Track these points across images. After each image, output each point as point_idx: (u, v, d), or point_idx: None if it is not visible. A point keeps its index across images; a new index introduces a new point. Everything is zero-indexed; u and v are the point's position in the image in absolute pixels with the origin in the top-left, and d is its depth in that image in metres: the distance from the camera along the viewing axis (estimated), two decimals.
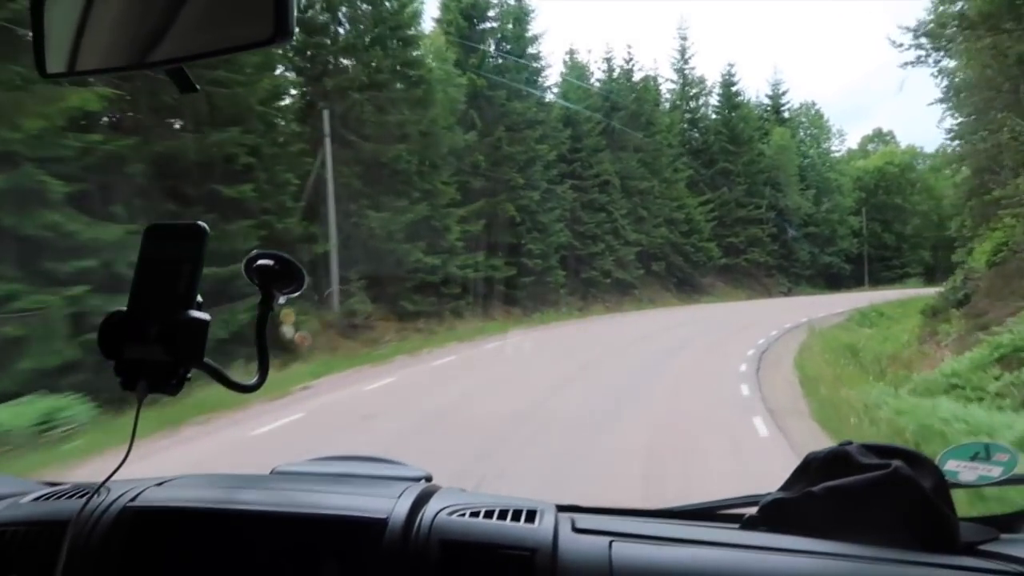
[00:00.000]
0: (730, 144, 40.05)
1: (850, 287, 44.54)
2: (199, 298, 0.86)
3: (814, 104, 64.48)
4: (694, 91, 41.62)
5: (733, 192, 39.46)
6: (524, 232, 24.73)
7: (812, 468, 1.03)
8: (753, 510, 1.06)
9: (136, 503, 0.97)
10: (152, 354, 0.83)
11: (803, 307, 27.13)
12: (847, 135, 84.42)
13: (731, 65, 48.59)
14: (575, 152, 29.11)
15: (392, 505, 0.95)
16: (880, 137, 58.00)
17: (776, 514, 1.01)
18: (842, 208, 46.75)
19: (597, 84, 33.24)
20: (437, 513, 0.96)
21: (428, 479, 1.15)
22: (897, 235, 49.31)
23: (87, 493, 1.01)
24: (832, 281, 45.01)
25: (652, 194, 33.27)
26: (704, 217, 36.76)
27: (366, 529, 0.92)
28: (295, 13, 0.80)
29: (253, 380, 0.94)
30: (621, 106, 33.17)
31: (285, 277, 0.96)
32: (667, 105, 40.30)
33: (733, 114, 41.28)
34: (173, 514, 0.96)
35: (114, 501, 0.97)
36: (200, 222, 0.88)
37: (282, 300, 0.97)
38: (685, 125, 40.46)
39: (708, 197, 37.94)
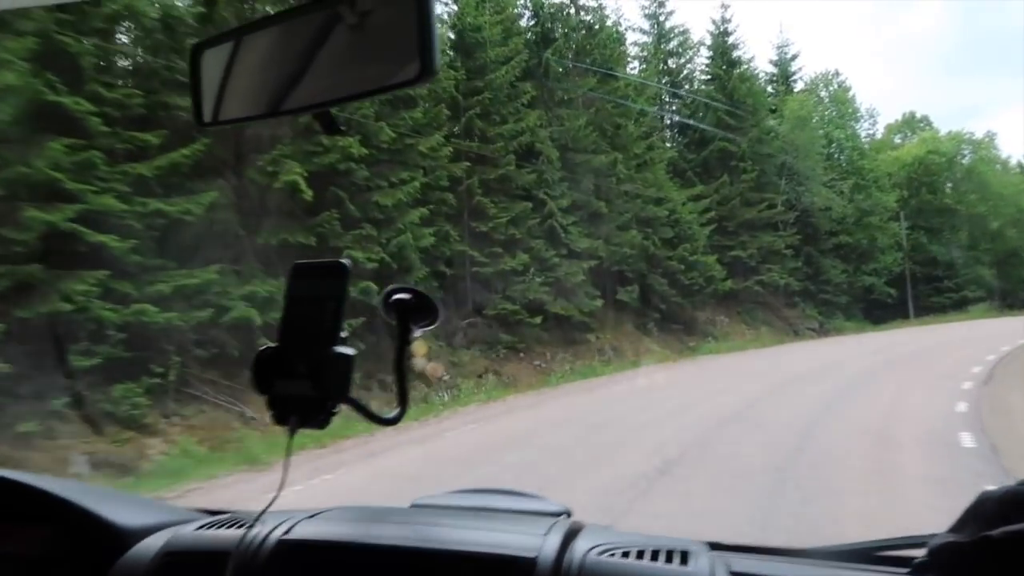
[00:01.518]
0: (729, 116, 27.59)
1: (891, 319, 31.98)
2: (343, 333, 0.87)
3: (837, 74, 52.06)
4: (673, 44, 29.18)
5: (736, 184, 26.93)
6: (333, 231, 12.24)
7: (986, 509, 0.89)
8: (920, 553, 0.95)
9: (289, 536, 1.00)
10: (301, 389, 0.86)
11: (899, 361, 15.35)
12: (879, 115, 67.66)
13: (725, 7, 35.60)
14: (473, 97, 16.48)
15: (539, 543, 0.95)
16: (912, 124, 45.65)
17: (949, 560, 0.90)
18: (884, 208, 34.14)
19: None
20: (587, 552, 0.95)
21: (569, 514, 1.14)
22: (947, 247, 36.94)
23: (244, 524, 1.05)
24: (873, 311, 32.35)
25: (614, 176, 20.61)
26: (697, 218, 24.15)
27: (514, 567, 0.92)
28: (439, 52, 0.80)
29: (394, 413, 0.97)
30: (558, 36, 20.69)
31: (421, 311, 0.97)
32: (635, 63, 27.91)
33: (732, 72, 28.83)
34: (323, 548, 0.99)
35: (269, 534, 1.01)
36: (343, 260, 0.91)
37: (418, 333, 0.98)
38: (662, 87, 27.87)
39: (701, 191, 25.41)
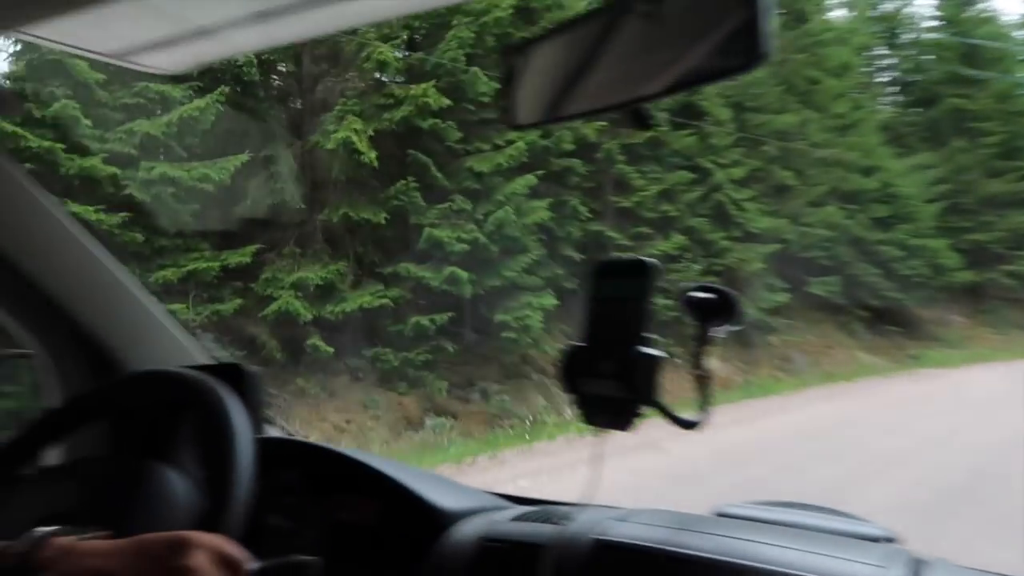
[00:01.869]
0: (965, 66, 21.98)
1: None
2: (650, 334, 0.86)
3: None
4: None
5: (975, 150, 21.34)
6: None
7: None
8: None
9: (604, 536, 1.02)
10: (607, 389, 0.87)
11: None
12: None
13: None
14: None
15: None
16: None
17: None
18: None
19: None
20: None
21: (895, 540, 1.06)
22: None
23: (556, 519, 1.10)
24: None
25: (805, 141, 16.48)
26: (920, 193, 19.15)
27: None
28: (772, 34, 0.72)
29: (696, 417, 0.92)
30: None
31: (723, 311, 0.93)
32: (838, 8, 23.12)
33: (967, 13, 23.16)
34: (636, 551, 0.99)
35: (583, 531, 1.03)
36: (648, 258, 0.89)
37: (719, 334, 0.94)
38: (875, 35, 22.88)
39: (927, 159, 20.29)
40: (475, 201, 10.28)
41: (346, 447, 1.32)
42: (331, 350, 8.90)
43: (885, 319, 17.70)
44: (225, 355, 7.17)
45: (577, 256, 11.97)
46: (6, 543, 0.66)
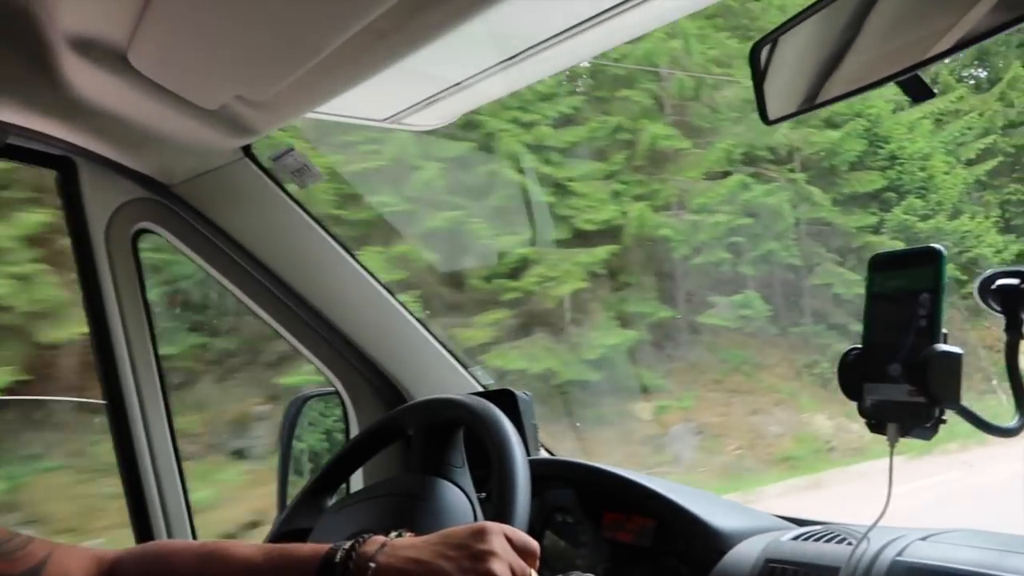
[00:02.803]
0: None
1: None
2: (944, 330, 0.79)
3: None
4: None
5: None
6: None
7: None
8: None
9: (903, 558, 0.95)
10: (899, 394, 0.81)
11: None
12: None
13: None
14: None
15: None
16: None
17: None
18: None
19: None
20: None
21: None
22: None
23: (845, 539, 1.04)
24: None
25: None
26: None
27: None
28: None
29: (1013, 423, 0.83)
30: None
31: None
32: None
33: None
34: (942, 574, 0.92)
35: (880, 552, 0.97)
36: (936, 245, 0.83)
37: None
38: None
39: None
40: None
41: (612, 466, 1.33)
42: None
43: None
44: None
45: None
46: (332, 544, 0.76)
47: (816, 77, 0.88)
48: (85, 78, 1.10)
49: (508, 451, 0.94)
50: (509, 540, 0.74)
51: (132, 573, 0.81)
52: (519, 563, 0.73)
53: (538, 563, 0.77)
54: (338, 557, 0.74)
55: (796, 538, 1.09)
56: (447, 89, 1.36)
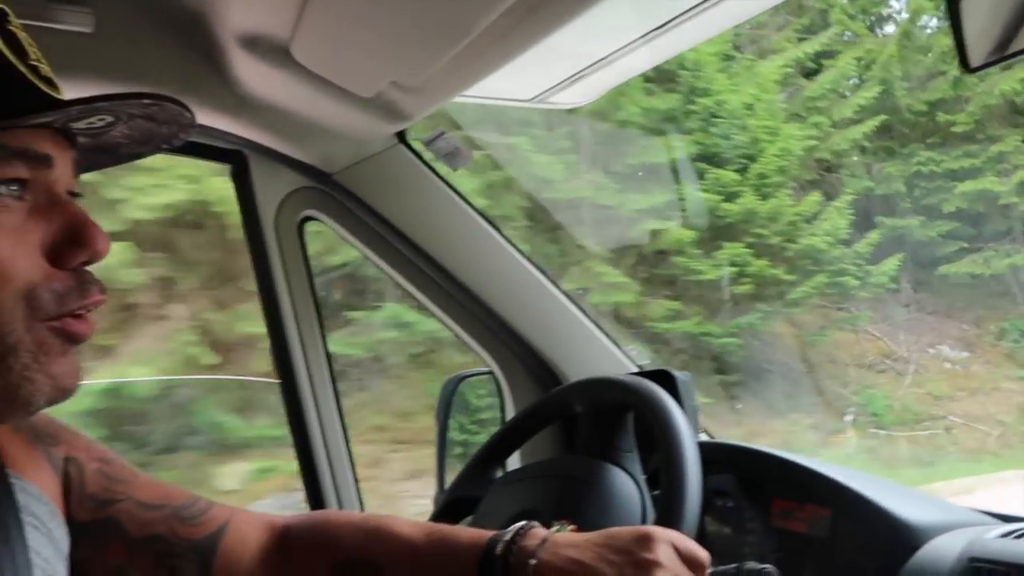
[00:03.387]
0: None
1: None
2: None
3: None
4: None
5: None
6: None
7: None
8: None
9: None
10: None
11: None
12: None
13: None
14: None
15: None
16: None
17: None
18: None
19: None
20: None
21: None
22: None
23: None
24: None
25: None
26: None
27: None
28: None
29: None
30: None
31: None
32: None
33: None
34: None
35: None
36: None
37: None
38: None
39: None
40: None
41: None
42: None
43: None
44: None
45: None
46: (494, 532, 0.76)
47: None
48: (253, 73, 1.16)
49: (678, 440, 0.90)
50: (676, 549, 0.70)
51: (301, 540, 0.84)
52: (685, 573, 0.69)
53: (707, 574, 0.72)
54: (499, 549, 0.73)
55: (1005, 535, 0.99)
56: (593, 65, 1.33)
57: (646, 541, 0.69)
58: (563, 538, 0.73)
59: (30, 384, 0.57)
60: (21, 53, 0.57)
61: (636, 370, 1.50)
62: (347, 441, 1.51)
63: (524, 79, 1.36)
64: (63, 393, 0.59)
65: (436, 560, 0.77)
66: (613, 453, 1.01)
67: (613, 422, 1.03)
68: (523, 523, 0.75)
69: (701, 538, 0.92)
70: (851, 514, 1.09)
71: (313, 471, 1.48)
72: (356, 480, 1.52)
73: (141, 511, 0.77)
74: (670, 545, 0.70)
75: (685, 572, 0.69)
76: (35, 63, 0.58)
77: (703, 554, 0.72)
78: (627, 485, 0.98)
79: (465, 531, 0.80)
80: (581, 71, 1.35)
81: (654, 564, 0.67)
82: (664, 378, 1.19)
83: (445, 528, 0.81)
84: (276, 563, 0.82)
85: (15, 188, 0.56)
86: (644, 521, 0.99)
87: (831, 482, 1.12)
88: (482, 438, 1.45)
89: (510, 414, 1.60)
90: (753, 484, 1.21)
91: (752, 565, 0.81)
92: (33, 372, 0.57)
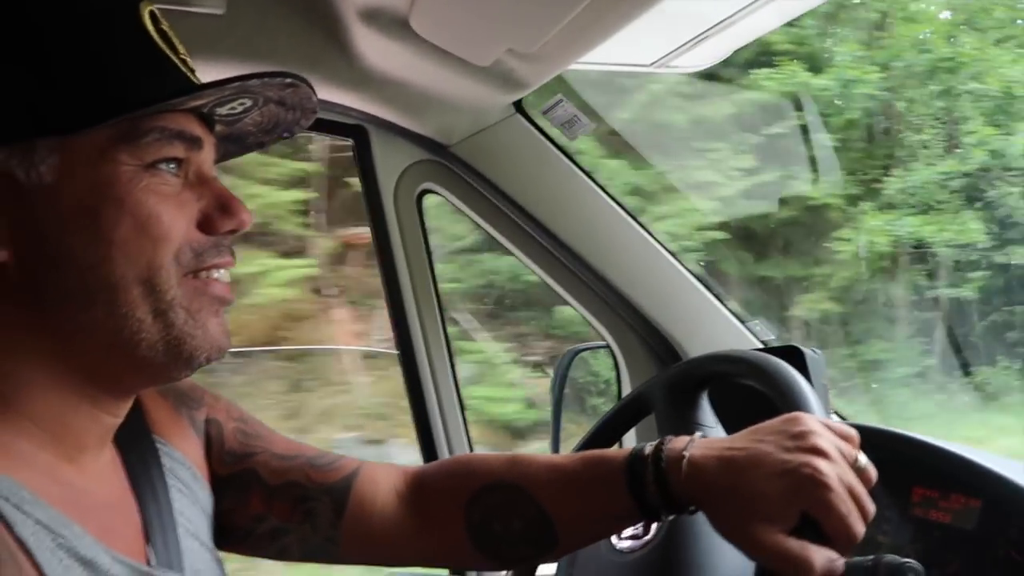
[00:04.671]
0: None
1: None
2: None
3: None
4: None
5: None
6: None
7: None
8: None
9: None
10: None
11: None
12: None
13: None
14: None
15: None
16: None
17: None
18: None
19: None
20: None
21: None
22: None
23: None
24: None
25: None
26: None
27: None
28: None
29: None
30: None
31: None
32: None
33: None
34: None
35: None
36: None
37: None
38: None
39: None
40: None
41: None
42: None
43: None
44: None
45: None
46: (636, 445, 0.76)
47: None
48: (373, 47, 1.18)
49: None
50: (823, 423, 0.71)
51: (436, 478, 0.87)
52: (842, 443, 0.69)
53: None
54: (647, 451, 0.73)
55: None
56: (716, 25, 1.27)
57: (795, 420, 0.71)
58: (707, 440, 0.74)
59: (191, 339, 0.61)
60: (173, 48, 0.63)
61: (761, 346, 1.43)
62: (463, 413, 1.53)
63: (644, 43, 1.31)
64: (218, 351, 0.64)
65: (581, 472, 0.78)
66: (737, 431, 0.97)
67: (733, 400, 0.99)
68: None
69: None
70: (1005, 506, 1.00)
71: (430, 442, 1.51)
72: (471, 447, 1.54)
73: (277, 461, 0.82)
74: (818, 422, 0.70)
75: (839, 440, 0.69)
76: (184, 57, 0.64)
77: (853, 431, 0.72)
78: None
79: (608, 450, 0.82)
80: (704, 32, 1.29)
81: (809, 433, 0.68)
82: (792, 354, 1.12)
83: (585, 452, 0.82)
84: (410, 502, 0.85)
85: (173, 166, 0.61)
86: None
87: (983, 470, 1.04)
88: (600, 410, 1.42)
89: (626, 388, 1.57)
90: (891, 470, 1.13)
91: (892, 558, 0.76)
92: (192, 328, 0.61)
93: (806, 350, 1.15)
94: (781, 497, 0.66)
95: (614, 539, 0.97)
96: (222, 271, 0.65)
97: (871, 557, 0.76)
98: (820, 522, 0.66)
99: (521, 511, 0.79)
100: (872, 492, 1.14)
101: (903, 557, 0.80)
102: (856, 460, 0.70)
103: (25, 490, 0.55)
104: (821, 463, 0.66)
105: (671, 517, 0.75)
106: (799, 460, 0.66)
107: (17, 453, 0.58)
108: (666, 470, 0.71)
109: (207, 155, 0.64)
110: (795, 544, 0.66)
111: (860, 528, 0.67)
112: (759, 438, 0.71)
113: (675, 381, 1.06)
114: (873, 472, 0.72)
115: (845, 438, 0.71)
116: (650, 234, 1.44)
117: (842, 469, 0.67)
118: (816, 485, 0.65)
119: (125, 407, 0.67)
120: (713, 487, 0.69)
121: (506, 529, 0.80)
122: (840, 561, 0.67)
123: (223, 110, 0.64)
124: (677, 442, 0.73)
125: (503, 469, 0.82)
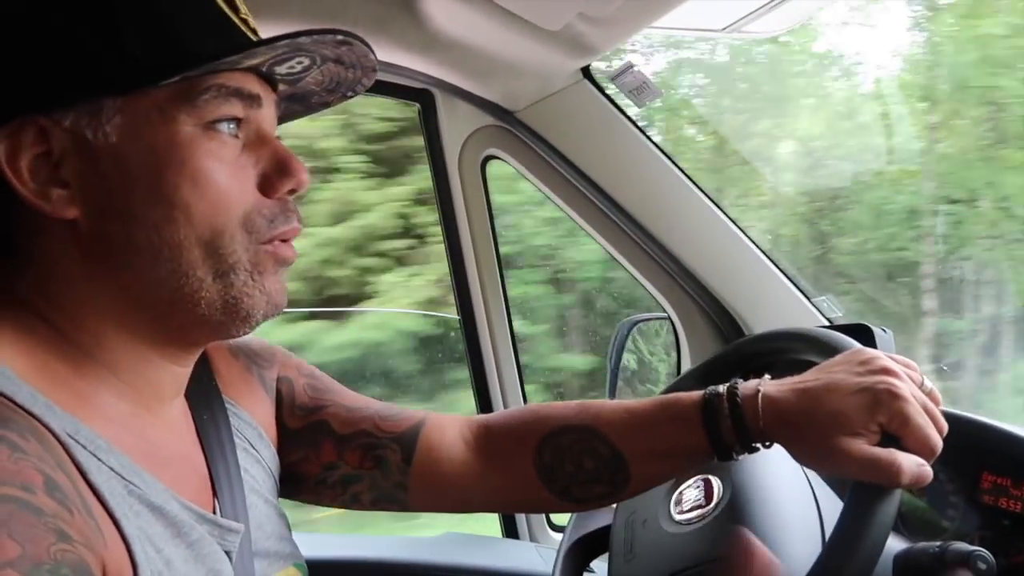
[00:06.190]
0: None
1: None
2: None
3: None
4: None
5: None
6: None
7: None
8: None
9: None
10: None
11: None
12: None
13: None
14: None
15: None
16: None
17: None
18: None
19: None
20: None
21: None
22: None
23: None
24: None
25: None
26: None
27: None
28: None
29: None
30: None
31: None
32: None
33: None
34: None
35: None
36: None
37: None
38: None
39: None
40: None
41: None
42: None
43: None
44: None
45: None
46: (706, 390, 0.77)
47: None
48: (442, 10, 1.17)
49: None
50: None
51: (504, 424, 0.88)
52: (907, 370, 0.72)
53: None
54: (721, 389, 0.75)
55: None
56: None
57: (859, 351, 0.74)
58: (777, 380, 0.75)
59: (249, 299, 0.63)
60: (233, 7, 0.63)
61: (827, 323, 1.40)
62: (521, 378, 1.54)
63: (717, 7, 1.28)
64: (275, 308, 0.65)
65: (654, 411, 0.79)
66: None
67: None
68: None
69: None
70: None
71: (488, 402, 1.52)
72: None
73: (347, 412, 0.85)
74: (879, 352, 0.73)
75: (901, 367, 0.72)
76: (244, 17, 0.63)
77: (913, 362, 0.74)
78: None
79: (678, 392, 0.82)
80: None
81: (876, 358, 0.71)
82: (860, 333, 1.09)
83: (655, 396, 0.84)
84: (478, 447, 0.87)
85: (232, 125, 0.61)
86: (816, 500, 0.93)
87: None
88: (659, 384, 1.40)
89: (686, 362, 1.55)
90: (959, 454, 1.09)
91: (960, 546, 0.74)
92: (251, 288, 0.63)
93: (876, 328, 1.12)
94: (860, 411, 0.68)
95: (674, 511, 0.97)
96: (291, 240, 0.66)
97: (938, 543, 0.74)
98: (900, 436, 0.68)
99: (593, 450, 0.80)
100: (938, 476, 1.11)
101: (970, 545, 0.78)
102: (922, 383, 0.72)
103: (102, 439, 0.57)
104: (894, 380, 0.69)
105: (742, 456, 0.76)
106: (873, 379, 0.69)
107: (97, 404, 0.60)
108: (742, 405, 0.72)
109: (267, 113, 0.64)
110: (883, 451, 0.67)
111: (938, 441, 0.69)
112: (829, 369, 0.73)
113: (746, 353, 1.04)
114: (938, 395, 0.74)
115: (907, 366, 0.73)
116: (717, 206, 1.41)
117: (913, 387, 0.69)
118: (893, 397, 0.67)
119: (193, 358, 0.69)
120: (791, 416, 0.71)
121: (578, 468, 0.81)
122: (927, 467, 0.68)
123: (282, 69, 0.64)
124: (750, 382, 0.75)
125: (572, 413, 0.83)
